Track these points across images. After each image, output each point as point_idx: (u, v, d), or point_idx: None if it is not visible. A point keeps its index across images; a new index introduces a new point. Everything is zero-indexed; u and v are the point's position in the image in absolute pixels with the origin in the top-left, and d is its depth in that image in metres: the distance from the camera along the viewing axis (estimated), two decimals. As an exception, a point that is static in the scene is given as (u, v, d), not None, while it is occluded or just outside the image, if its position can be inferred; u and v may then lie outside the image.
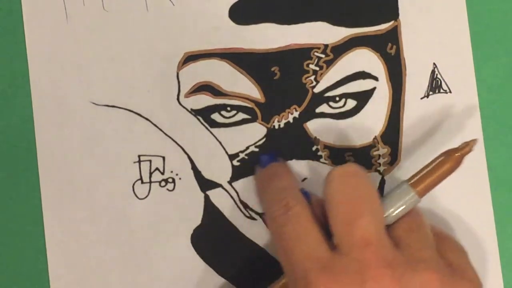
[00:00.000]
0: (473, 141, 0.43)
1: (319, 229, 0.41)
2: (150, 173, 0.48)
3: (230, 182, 0.48)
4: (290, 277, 0.41)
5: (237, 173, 0.48)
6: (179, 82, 0.48)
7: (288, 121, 0.48)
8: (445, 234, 0.44)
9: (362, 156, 0.48)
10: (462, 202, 0.48)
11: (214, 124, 0.48)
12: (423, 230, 0.42)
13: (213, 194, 0.48)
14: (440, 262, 0.41)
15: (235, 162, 0.48)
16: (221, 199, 0.48)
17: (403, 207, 0.42)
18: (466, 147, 0.43)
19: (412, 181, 0.43)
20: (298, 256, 0.40)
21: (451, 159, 0.43)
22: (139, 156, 0.48)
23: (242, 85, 0.47)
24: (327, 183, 0.42)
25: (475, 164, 0.48)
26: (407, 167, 0.48)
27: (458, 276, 0.40)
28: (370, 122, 0.48)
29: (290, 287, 0.41)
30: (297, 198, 0.43)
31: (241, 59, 0.47)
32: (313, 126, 0.48)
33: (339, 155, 0.48)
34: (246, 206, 0.48)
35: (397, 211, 0.42)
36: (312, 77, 0.48)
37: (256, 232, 0.48)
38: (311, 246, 0.40)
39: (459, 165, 0.43)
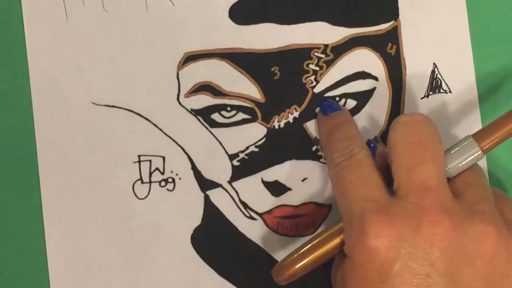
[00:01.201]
0: None
1: (380, 176, 0.42)
2: (150, 173, 0.48)
3: (230, 182, 0.48)
4: (346, 218, 0.41)
5: (237, 173, 0.48)
6: (179, 82, 0.48)
7: (288, 121, 0.48)
8: (504, 194, 0.44)
9: (362, 156, 0.48)
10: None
11: (214, 124, 0.48)
12: (482, 185, 0.43)
13: (213, 194, 0.48)
14: (498, 217, 0.41)
15: (235, 162, 0.48)
16: (221, 199, 0.48)
17: (467, 161, 0.42)
18: None
19: (478, 136, 0.43)
20: (357, 197, 0.41)
21: None
22: (139, 156, 0.48)
23: (242, 85, 0.47)
24: (392, 130, 0.42)
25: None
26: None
27: None
28: (370, 122, 0.48)
29: (345, 229, 0.41)
30: (362, 145, 0.43)
31: (241, 59, 0.47)
32: (313, 126, 0.48)
33: (339, 155, 0.48)
34: (246, 206, 0.48)
35: (460, 165, 0.42)
36: (312, 77, 0.48)
37: (256, 232, 0.48)
38: (370, 189, 0.41)
39: None
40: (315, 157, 0.48)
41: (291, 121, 0.48)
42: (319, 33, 0.48)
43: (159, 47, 0.48)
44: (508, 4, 0.49)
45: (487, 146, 0.43)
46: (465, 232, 0.39)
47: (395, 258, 0.39)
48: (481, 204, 0.41)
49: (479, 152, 0.42)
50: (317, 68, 0.48)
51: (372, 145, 0.45)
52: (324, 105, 0.47)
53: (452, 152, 0.43)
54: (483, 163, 0.48)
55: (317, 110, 0.47)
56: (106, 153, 0.48)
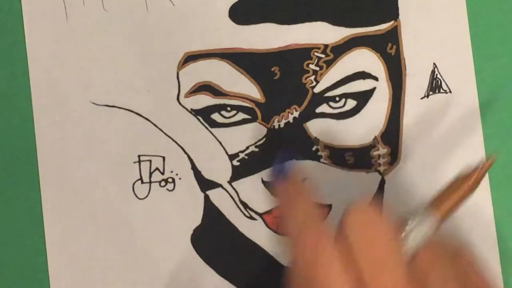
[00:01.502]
0: (491, 158, 0.41)
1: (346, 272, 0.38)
2: (150, 173, 0.48)
3: (230, 182, 0.48)
4: None
5: (237, 173, 0.48)
6: (179, 82, 0.48)
7: (288, 121, 0.48)
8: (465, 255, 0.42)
9: (362, 156, 0.48)
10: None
11: (214, 124, 0.48)
12: (445, 268, 0.40)
13: (213, 194, 0.48)
14: None
15: (235, 162, 0.48)
16: (221, 199, 0.48)
17: (425, 235, 0.40)
18: (482, 169, 0.41)
19: (432, 206, 0.41)
20: None
21: (468, 181, 0.41)
22: (139, 156, 0.48)
23: (242, 85, 0.47)
24: (346, 228, 0.38)
25: (476, 163, 0.48)
26: (407, 167, 0.48)
27: None
28: (370, 122, 0.48)
29: None
30: (327, 234, 0.39)
31: (241, 59, 0.47)
32: (313, 126, 0.48)
33: (339, 155, 0.48)
34: (246, 206, 0.48)
35: (418, 241, 0.40)
36: (312, 77, 0.48)
37: (256, 232, 0.48)
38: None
39: (478, 186, 0.41)
40: (315, 157, 0.48)
41: (291, 121, 0.48)
42: (319, 33, 0.48)
43: (159, 47, 0.48)
44: (508, 4, 0.49)
45: (443, 215, 0.41)
46: None
47: None
48: None
49: (436, 223, 0.40)
50: (317, 68, 0.48)
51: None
52: (272, 169, 0.44)
53: (409, 229, 0.40)
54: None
55: None
56: (106, 153, 0.48)
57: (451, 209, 0.41)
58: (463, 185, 0.41)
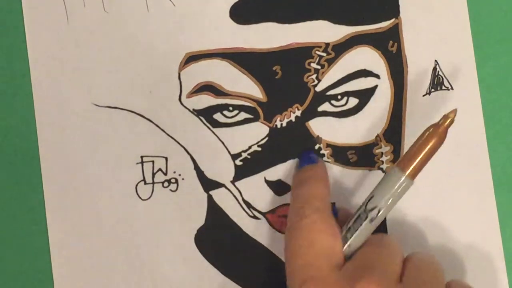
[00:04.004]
0: (453, 112, 0.42)
1: (330, 241, 0.41)
2: (153, 174, 0.48)
3: (233, 182, 0.48)
4: (289, 283, 0.41)
5: (240, 173, 0.48)
6: (180, 83, 0.48)
7: (290, 120, 0.48)
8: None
9: (365, 154, 0.48)
10: (466, 201, 0.48)
11: (216, 124, 0.48)
12: (434, 274, 0.42)
13: (216, 194, 0.48)
14: None
15: (238, 162, 0.48)
16: (224, 199, 0.48)
17: (397, 191, 0.42)
18: (447, 120, 0.42)
19: (401, 164, 0.42)
20: (300, 264, 0.41)
21: (435, 135, 0.42)
22: (141, 157, 0.48)
23: (244, 85, 0.47)
24: None
25: (478, 163, 0.48)
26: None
27: None
28: (372, 120, 0.48)
29: None
30: (316, 207, 0.43)
31: (243, 59, 0.47)
32: (316, 125, 0.48)
33: (341, 153, 0.48)
34: (249, 205, 0.48)
35: (391, 197, 0.42)
36: (314, 76, 0.48)
37: (259, 232, 0.48)
38: (314, 256, 0.41)
39: (444, 139, 0.42)
40: (318, 155, 0.48)
41: (293, 120, 0.48)
42: (320, 31, 0.48)
43: (160, 48, 0.47)
44: (508, 4, 0.49)
45: (412, 172, 0.42)
46: None
47: None
48: (426, 286, 0.40)
49: (407, 181, 0.42)
50: (319, 67, 0.48)
51: (333, 209, 0.45)
52: (302, 156, 0.47)
53: (381, 187, 0.42)
54: (485, 163, 0.48)
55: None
56: (108, 154, 0.48)
57: (418, 166, 0.42)
58: (431, 137, 0.42)
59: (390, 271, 0.40)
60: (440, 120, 0.42)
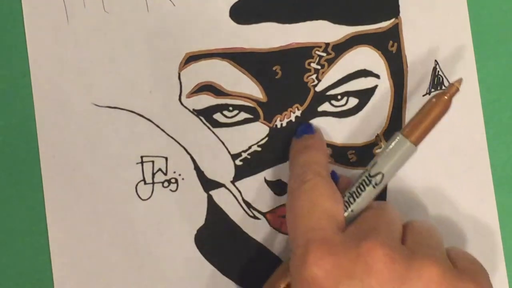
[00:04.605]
0: (459, 81, 0.43)
1: (332, 204, 0.42)
2: (153, 174, 0.48)
3: (233, 182, 0.48)
4: (292, 246, 0.41)
5: (240, 173, 0.48)
6: (180, 83, 0.48)
7: (290, 120, 0.48)
8: (456, 248, 0.43)
9: (365, 154, 0.48)
10: (466, 200, 0.48)
11: (216, 124, 0.48)
12: (432, 236, 0.42)
13: (216, 194, 0.48)
14: (445, 258, 0.40)
15: (238, 162, 0.48)
16: (224, 199, 0.48)
17: (401, 157, 0.43)
18: (453, 88, 0.43)
19: (405, 131, 0.43)
20: (302, 227, 0.41)
21: (440, 103, 0.43)
22: (141, 157, 0.48)
23: (244, 85, 0.47)
24: None
25: (478, 163, 0.48)
26: (410, 165, 0.48)
27: (462, 274, 0.40)
28: (373, 120, 0.48)
29: (291, 257, 0.41)
30: (317, 172, 0.43)
31: (243, 59, 0.47)
32: (316, 125, 0.48)
33: (341, 153, 0.48)
34: (249, 205, 0.48)
35: (395, 163, 0.43)
36: (314, 76, 0.48)
37: (260, 232, 0.48)
38: (316, 218, 0.41)
39: (449, 107, 0.43)
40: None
41: (293, 120, 0.48)
42: (320, 31, 0.48)
43: (160, 48, 0.48)
44: (508, 4, 0.49)
45: (417, 138, 0.43)
46: (407, 267, 0.38)
47: (333, 286, 0.38)
48: (428, 248, 0.40)
49: (411, 147, 0.43)
50: (319, 67, 0.48)
51: (334, 175, 0.45)
52: (299, 127, 0.47)
53: (386, 152, 0.43)
54: (485, 163, 0.48)
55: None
56: (108, 154, 0.48)
57: (423, 133, 0.43)
58: (434, 109, 0.43)
59: (394, 232, 0.41)
60: (445, 88, 0.43)
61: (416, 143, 0.43)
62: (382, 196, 0.48)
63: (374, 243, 0.39)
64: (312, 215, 0.41)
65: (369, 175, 0.43)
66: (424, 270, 0.38)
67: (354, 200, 0.43)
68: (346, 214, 0.43)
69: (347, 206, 0.43)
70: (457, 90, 0.43)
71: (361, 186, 0.43)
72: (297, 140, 0.47)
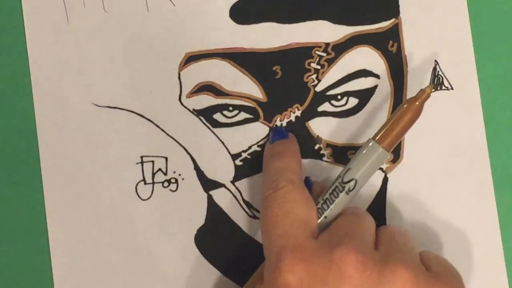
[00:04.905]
0: (429, 87, 0.43)
1: (305, 211, 0.42)
2: (153, 174, 0.48)
3: (233, 182, 0.48)
4: (266, 253, 0.42)
5: (240, 173, 0.48)
6: (180, 83, 0.48)
7: (290, 120, 0.48)
8: (431, 253, 0.43)
9: (365, 154, 0.48)
10: (466, 200, 0.48)
11: (216, 124, 0.48)
12: (406, 241, 0.42)
13: (216, 194, 0.48)
14: (418, 263, 0.40)
15: (238, 162, 0.48)
16: (224, 199, 0.48)
17: (373, 163, 0.43)
18: (424, 94, 0.43)
19: (377, 137, 0.43)
20: (276, 234, 0.41)
21: (412, 109, 0.43)
22: (141, 157, 0.48)
23: (243, 85, 0.47)
24: None
25: (478, 163, 0.48)
26: (410, 165, 0.48)
27: (435, 278, 0.40)
28: (373, 120, 0.48)
29: (265, 265, 0.41)
30: (290, 179, 0.43)
31: (243, 59, 0.47)
32: (315, 125, 0.48)
33: (341, 153, 0.48)
34: (249, 205, 0.48)
35: (368, 169, 0.43)
36: (314, 76, 0.48)
37: (259, 232, 0.48)
38: (289, 225, 0.41)
39: (420, 113, 0.43)
40: (317, 155, 0.48)
41: (293, 120, 0.48)
42: (320, 31, 0.48)
43: (160, 48, 0.48)
44: (508, 4, 0.48)
45: (389, 144, 0.43)
46: (380, 273, 0.39)
47: None
48: (401, 253, 0.40)
49: (384, 152, 0.43)
50: (319, 67, 0.48)
51: (308, 181, 0.46)
52: (272, 131, 0.47)
53: (358, 158, 0.43)
54: (485, 163, 0.48)
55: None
56: (108, 154, 0.48)
57: (394, 139, 0.43)
58: (407, 111, 0.43)
59: (367, 238, 0.41)
60: (416, 94, 0.43)
61: (388, 149, 0.43)
62: (381, 197, 0.48)
63: (347, 249, 0.39)
64: (285, 222, 0.41)
65: (342, 181, 0.43)
66: (398, 275, 0.39)
67: (328, 206, 0.43)
68: (319, 220, 0.43)
69: (321, 212, 0.43)
70: (428, 96, 0.43)
71: (335, 193, 0.43)
72: (271, 146, 0.47)
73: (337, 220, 0.43)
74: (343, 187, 0.43)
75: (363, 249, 0.39)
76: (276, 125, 0.47)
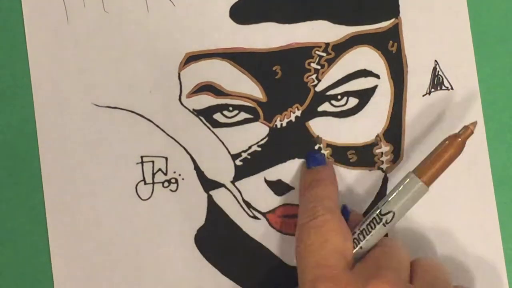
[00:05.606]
0: (473, 124, 0.43)
1: (342, 241, 0.42)
2: (153, 174, 0.48)
3: (233, 182, 0.48)
4: (300, 281, 0.41)
5: (240, 173, 0.48)
6: (180, 83, 0.48)
7: (290, 120, 0.48)
8: None
9: (365, 154, 0.48)
10: (466, 201, 0.48)
11: (216, 124, 0.48)
12: (437, 274, 0.42)
13: (216, 194, 0.48)
14: None
15: (238, 162, 0.48)
16: (224, 199, 0.48)
17: (412, 197, 0.43)
18: (467, 131, 0.43)
19: (418, 171, 0.43)
20: (310, 262, 0.41)
21: (454, 145, 0.43)
22: (141, 157, 0.48)
23: (244, 85, 0.47)
24: None
25: (478, 163, 0.48)
26: (410, 165, 0.48)
27: None
28: (372, 120, 0.48)
29: None
30: (328, 208, 0.43)
31: (243, 59, 0.47)
32: (316, 125, 0.48)
33: (341, 153, 0.48)
34: (249, 205, 0.48)
35: (406, 202, 0.43)
36: (314, 76, 0.48)
37: (259, 232, 0.48)
38: (325, 255, 0.41)
39: (462, 149, 0.43)
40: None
41: (293, 120, 0.48)
42: (320, 31, 0.48)
43: (160, 48, 0.47)
44: (508, 4, 0.49)
45: (429, 179, 0.43)
46: None
47: None
48: None
49: (423, 187, 0.43)
50: (319, 67, 0.48)
51: (344, 208, 0.46)
52: (309, 157, 0.47)
53: (397, 191, 0.43)
54: (485, 163, 0.48)
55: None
56: (108, 154, 0.48)
57: (435, 174, 0.43)
58: (447, 151, 0.43)
59: (402, 271, 0.41)
60: (460, 131, 0.43)
61: (428, 183, 0.43)
62: (381, 197, 0.48)
63: (382, 282, 0.39)
64: (321, 251, 0.41)
65: (380, 213, 0.43)
66: None
67: (364, 237, 0.43)
68: (355, 251, 0.43)
69: (357, 243, 0.43)
70: (471, 133, 0.43)
71: (372, 224, 0.43)
72: (308, 171, 0.47)
73: (373, 252, 0.43)
74: (381, 219, 0.43)
75: (398, 283, 0.39)
76: (313, 149, 0.47)
